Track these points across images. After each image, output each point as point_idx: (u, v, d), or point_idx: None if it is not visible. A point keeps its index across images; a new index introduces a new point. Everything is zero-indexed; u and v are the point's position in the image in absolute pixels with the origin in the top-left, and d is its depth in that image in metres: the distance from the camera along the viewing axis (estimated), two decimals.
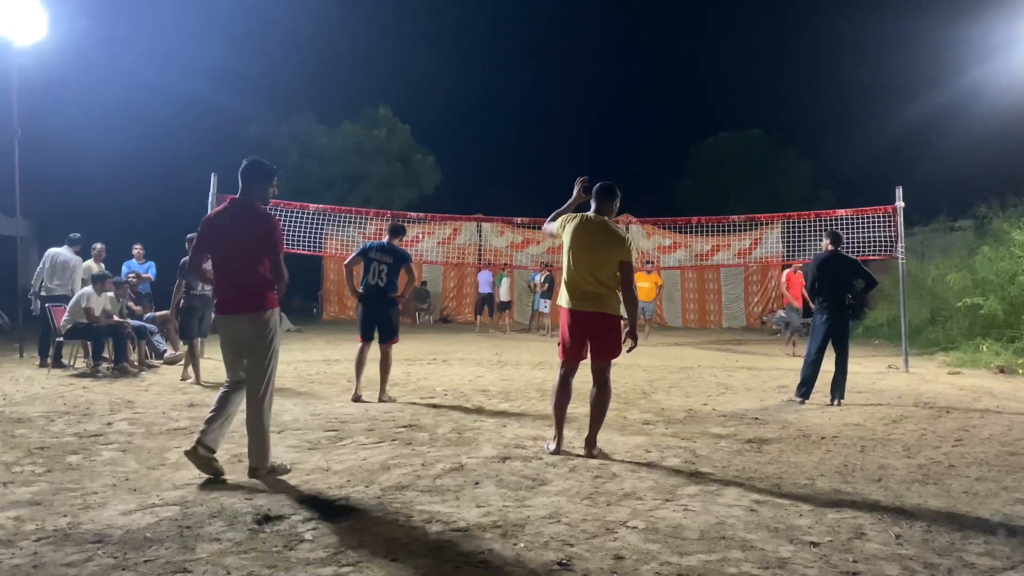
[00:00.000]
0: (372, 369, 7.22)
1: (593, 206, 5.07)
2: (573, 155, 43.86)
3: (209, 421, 4.21)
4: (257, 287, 4.25)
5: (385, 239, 7.36)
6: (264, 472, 4.17)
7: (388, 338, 7.18)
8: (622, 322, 4.99)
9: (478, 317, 19.40)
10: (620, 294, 4.94)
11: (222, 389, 4.35)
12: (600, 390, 4.94)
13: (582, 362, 5.02)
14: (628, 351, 5.01)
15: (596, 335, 4.91)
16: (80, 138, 19.96)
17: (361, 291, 7.19)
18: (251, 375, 4.27)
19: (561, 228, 5.04)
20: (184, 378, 8.29)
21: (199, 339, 8.46)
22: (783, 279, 13.40)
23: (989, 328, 12.22)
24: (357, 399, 7.02)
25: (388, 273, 7.12)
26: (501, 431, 5.75)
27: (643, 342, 14.46)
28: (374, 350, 7.21)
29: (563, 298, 5.00)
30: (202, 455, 4.13)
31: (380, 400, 7.04)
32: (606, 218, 5.02)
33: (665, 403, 7.32)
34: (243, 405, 4.33)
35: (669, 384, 8.83)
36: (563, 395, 5.00)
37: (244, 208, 4.33)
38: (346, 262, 7.45)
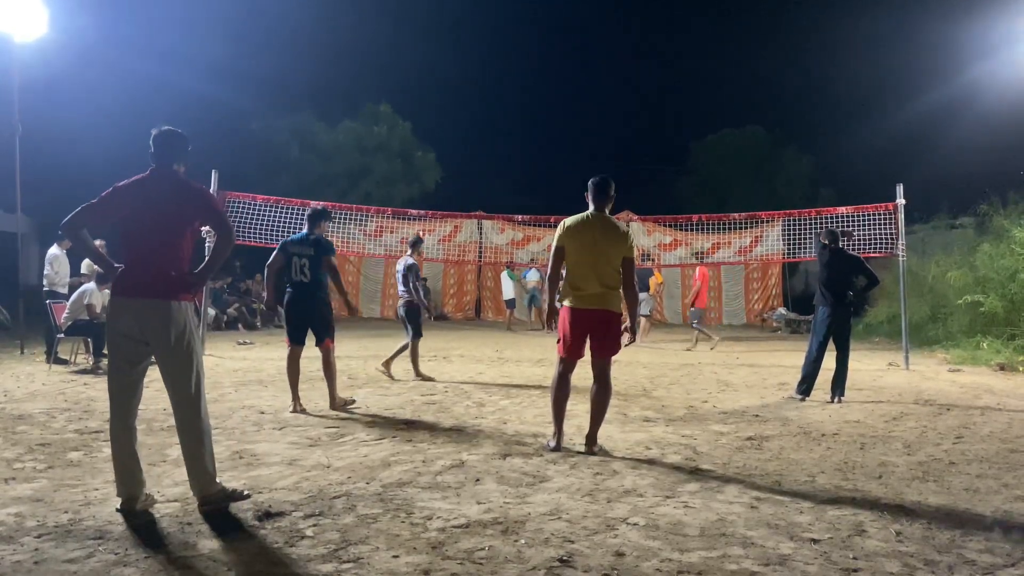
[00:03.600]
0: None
1: (591, 203, 5.03)
2: (574, 152, 43.91)
3: (121, 473, 3.48)
4: (168, 272, 3.55)
5: (304, 230, 6.66)
6: (215, 499, 3.52)
7: (323, 337, 6.47)
8: (621, 317, 5.00)
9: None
10: (621, 291, 4.95)
11: (111, 425, 3.55)
12: (601, 387, 4.94)
13: (582, 359, 5.02)
14: (626, 345, 5.02)
15: (597, 332, 4.90)
16: (81, 135, 19.95)
17: (288, 291, 6.50)
18: (174, 385, 3.56)
19: (563, 234, 4.91)
20: (419, 376, 8.52)
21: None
22: (698, 276, 13.97)
23: (990, 325, 12.21)
24: (299, 412, 6.24)
25: (311, 267, 6.39)
26: (502, 428, 5.75)
27: (643, 339, 14.55)
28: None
29: (565, 297, 4.96)
30: (139, 508, 3.47)
31: (333, 408, 6.37)
32: (606, 213, 5.01)
33: (666, 400, 7.32)
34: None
35: (670, 381, 8.83)
36: (562, 392, 4.99)
37: (166, 178, 3.67)
38: (268, 262, 6.56)
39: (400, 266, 8.67)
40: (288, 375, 6.48)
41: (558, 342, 5.02)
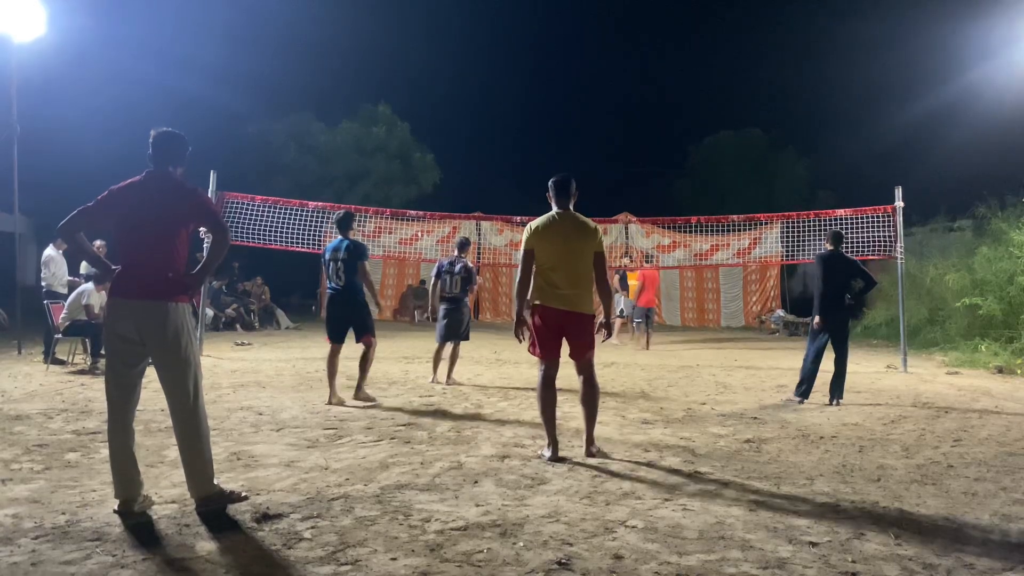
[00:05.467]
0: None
1: (554, 203, 4.94)
2: (572, 153, 43.89)
3: (119, 475, 3.50)
4: (164, 274, 3.56)
5: (338, 237, 6.98)
6: (213, 500, 3.52)
7: (363, 334, 6.83)
8: (595, 316, 4.95)
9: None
10: (594, 289, 4.88)
11: (109, 426, 3.56)
12: (588, 386, 4.89)
13: (565, 363, 4.97)
14: (602, 342, 4.97)
15: (571, 334, 4.84)
16: (79, 135, 19.96)
17: (328, 293, 6.94)
18: (171, 387, 3.56)
19: (532, 236, 4.81)
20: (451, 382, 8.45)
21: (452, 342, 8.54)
22: (640, 278, 14.11)
23: (987, 328, 12.22)
24: (338, 404, 6.63)
25: (346, 271, 6.76)
26: (500, 430, 5.75)
27: (616, 338, 14.60)
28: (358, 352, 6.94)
29: (537, 296, 4.85)
30: (137, 510, 3.47)
31: (355, 397, 6.72)
32: (571, 210, 4.93)
33: (664, 402, 7.32)
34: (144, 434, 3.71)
35: (668, 383, 8.83)
36: (549, 397, 4.86)
37: (160, 180, 3.68)
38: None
39: (458, 268, 8.49)
40: (327, 371, 6.79)
41: (531, 346, 4.96)
